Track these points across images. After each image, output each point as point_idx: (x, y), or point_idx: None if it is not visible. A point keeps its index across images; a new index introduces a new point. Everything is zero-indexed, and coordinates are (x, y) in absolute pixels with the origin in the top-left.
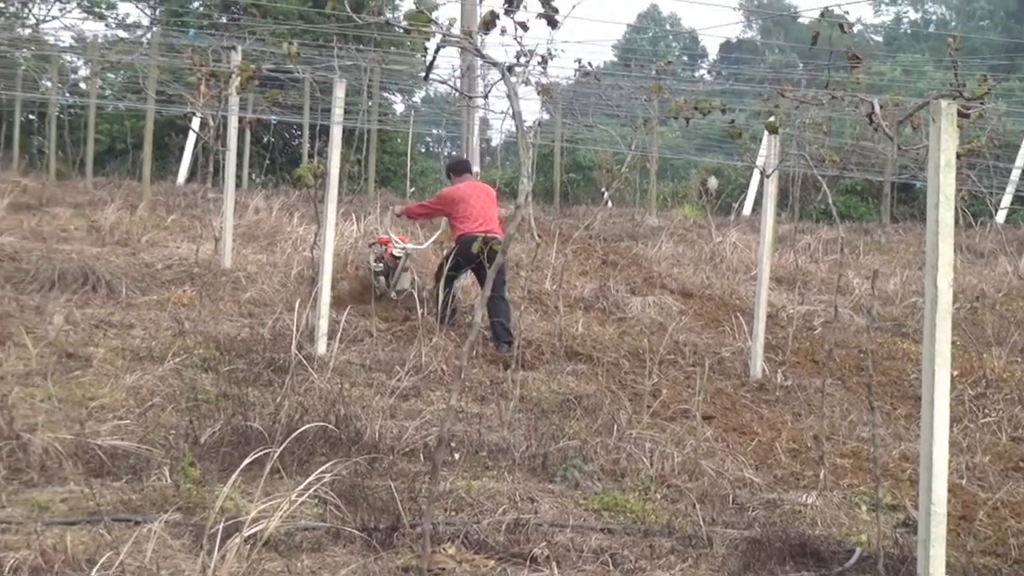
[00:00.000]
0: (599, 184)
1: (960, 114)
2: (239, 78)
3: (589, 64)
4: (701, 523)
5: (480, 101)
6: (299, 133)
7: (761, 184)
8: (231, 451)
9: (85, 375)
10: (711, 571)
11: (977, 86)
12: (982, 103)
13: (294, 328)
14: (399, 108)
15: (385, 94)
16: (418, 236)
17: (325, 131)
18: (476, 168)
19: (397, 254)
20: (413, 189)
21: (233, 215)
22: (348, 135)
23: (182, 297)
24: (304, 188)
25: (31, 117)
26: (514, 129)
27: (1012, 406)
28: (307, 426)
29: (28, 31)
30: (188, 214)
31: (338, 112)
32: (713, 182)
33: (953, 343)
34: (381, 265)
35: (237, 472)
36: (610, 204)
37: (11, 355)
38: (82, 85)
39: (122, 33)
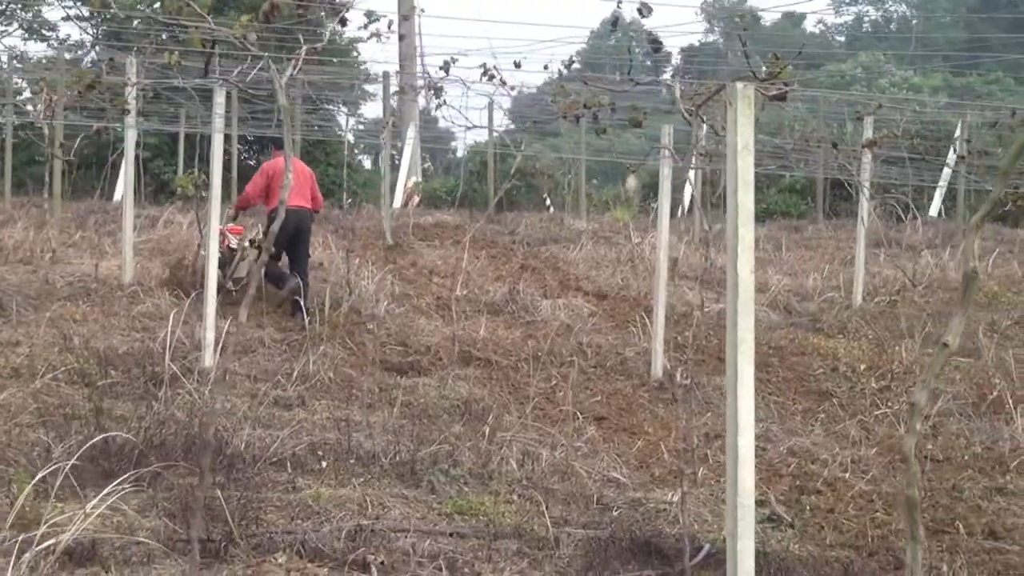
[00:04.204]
0: (541, 190)
1: (776, 97)
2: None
3: (495, 69)
4: (549, 525)
5: (417, 110)
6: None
7: (700, 185)
8: (89, 465)
9: None
10: (555, 572)
11: (780, 71)
12: (786, 85)
13: (168, 340)
14: (349, 121)
15: (329, 106)
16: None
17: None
18: (416, 178)
19: (233, 246)
20: (351, 200)
21: (139, 230)
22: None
23: (75, 313)
24: (185, 199)
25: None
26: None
27: None
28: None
29: None
30: (102, 231)
31: (218, 121)
32: (632, 183)
33: (865, 336)
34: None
35: (38, 482)
36: (552, 210)
37: None
38: (29, 107)
39: (66, 55)
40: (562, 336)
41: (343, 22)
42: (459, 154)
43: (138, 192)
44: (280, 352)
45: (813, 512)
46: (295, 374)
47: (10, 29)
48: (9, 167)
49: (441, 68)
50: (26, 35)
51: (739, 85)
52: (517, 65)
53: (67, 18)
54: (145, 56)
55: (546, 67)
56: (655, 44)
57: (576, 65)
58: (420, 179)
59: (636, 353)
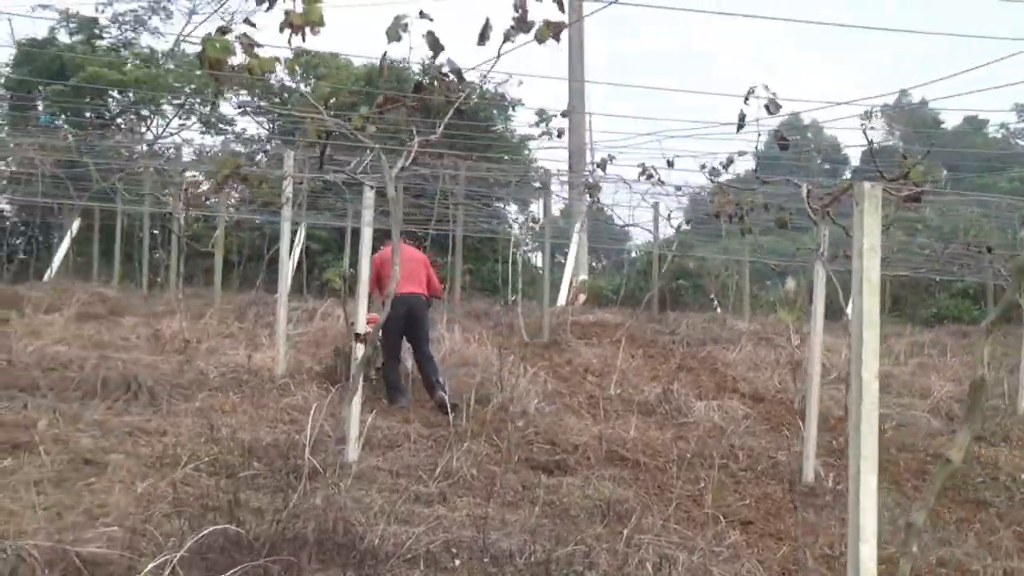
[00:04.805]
0: (708, 290)
1: (910, 199)
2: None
3: (653, 168)
4: None
5: (584, 207)
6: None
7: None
8: (219, 557)
9: (99, 482)
10: None
11: (908, 171)
12: (917, 186)
13: (308, 432)
14: (511, 217)
15: (498, 203)
16: None
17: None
18: (583, 276)
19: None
20: (515, 297)
21: (296, 323)
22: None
23: (224, 403)
24: (334, 293)
25: (154, 232)
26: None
27: None
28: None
29: (145, 147)
30: (260, 323)
31: (367, 214)
32: (791, 284)
33: None
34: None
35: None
36: (719, 310)
37: (30, 462)
38: (208, 201)
39: (240, 147)
40: (714, 438)
41: (460, 112)
42: (633, 254)
43: (303, 285)
44: (425, 448)
45: None
46: (438, 470)
47: (188, 123)
48: (175, 259)
49: (598, 166)
50: (204, 129)
51: (867, 185)
52: (670, 164)
53: (244, 112)
54: (299, 150)
55: (703, 167)
56: (783, 143)
57: (750, 165)
58: (587, 277)
59: (789, 457)
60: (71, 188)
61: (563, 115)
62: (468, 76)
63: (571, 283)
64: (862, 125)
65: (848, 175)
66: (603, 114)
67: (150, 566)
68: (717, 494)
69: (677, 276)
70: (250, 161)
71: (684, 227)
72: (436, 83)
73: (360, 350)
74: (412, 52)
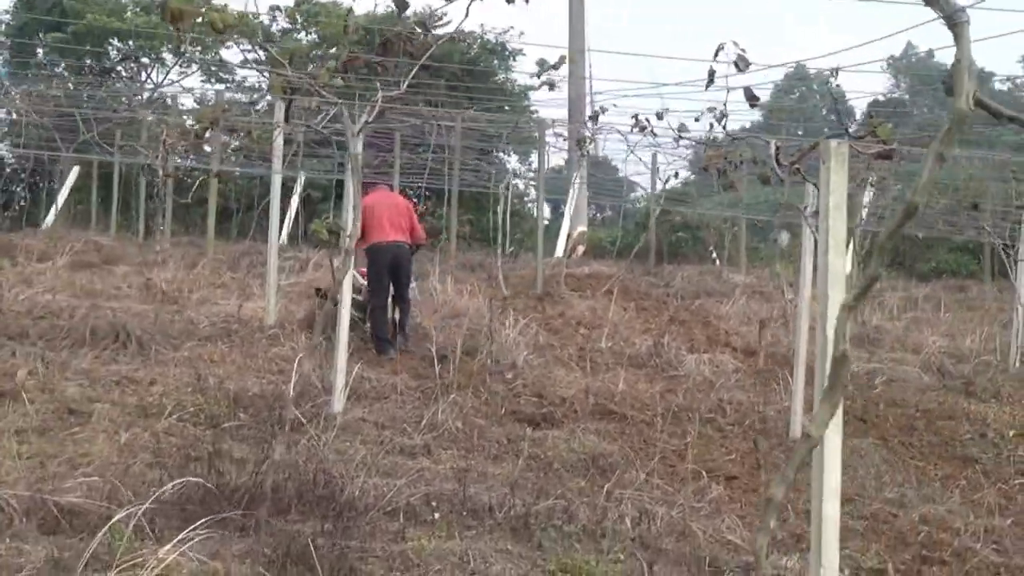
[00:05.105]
0: (707, 243)
1: (881, 156)
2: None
3: (647, 120)
4: None
5: (580, 157)
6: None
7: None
8: (196, 508)
9: (83, 431)
10: None
11: (874, 128)
12: (885, 143)
13: (292, 383)
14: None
15: (500, 154)
16: None
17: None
18: (583, 227)
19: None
20: (512, 248)
21: (289, 273)
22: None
23: (213, 353)
24: (321, 244)
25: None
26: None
27: None
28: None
29: (146, 95)
30: (252, 272)
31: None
32: (783, 237)
33: (1019, 402)
34: (360, 297)
35: (139, 522)
36: (717, 263)
37: (15, 411)
38: (206, 148)
39: (241, 97)
40: (703, 392)
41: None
42: (638, 204)
43: (299, 235)
44: (412, 399)
45: None
46: (423, 422)
47: (189, 71)
48: (169, 208)
49: (590, 118)
50: (205, 78)
51: (832, 143)
52: (660, 116)
53: (245, 62)
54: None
55: (697, 119)
56: (752, 100)
57: (756, 117)
58: (586, 228)
59: (777, 412)
60: (59, 139)
61: (555, 67)
62: (444, 31)
63: (569, 234)
64: (828, 82)
65: (853, 127)
66: (600, 79)
67: (120, 514)
68: (703, 449)
69: (676, 228)
70: (244, 113)
71: (674, 181)
72: (400, 41)
73: (336, 303)
74: (377, 8)
